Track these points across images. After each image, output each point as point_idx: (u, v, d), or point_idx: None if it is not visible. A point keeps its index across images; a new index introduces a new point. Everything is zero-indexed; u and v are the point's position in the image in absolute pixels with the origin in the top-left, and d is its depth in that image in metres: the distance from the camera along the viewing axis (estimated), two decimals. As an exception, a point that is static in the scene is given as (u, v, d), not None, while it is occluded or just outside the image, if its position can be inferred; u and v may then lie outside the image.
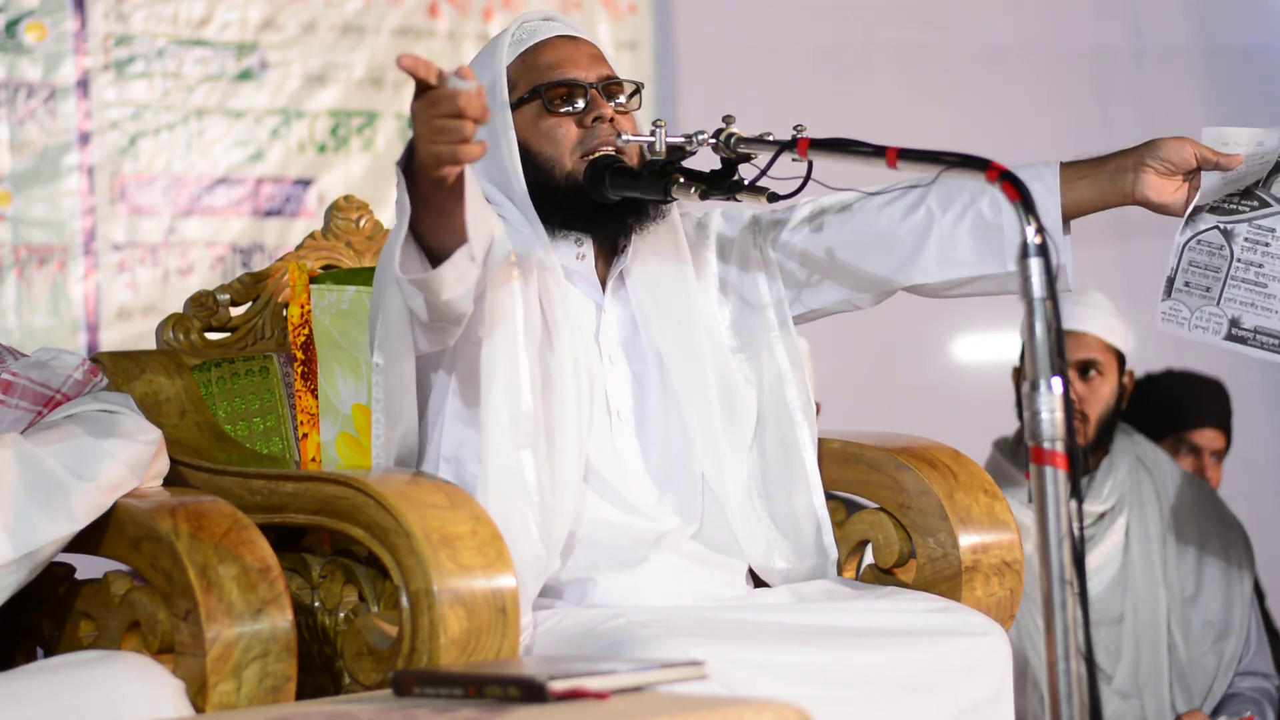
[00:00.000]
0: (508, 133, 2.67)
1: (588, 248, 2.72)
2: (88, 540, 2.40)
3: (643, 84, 2.75)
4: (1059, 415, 2.07)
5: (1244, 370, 5.56)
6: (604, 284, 2.74)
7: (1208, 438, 4.51)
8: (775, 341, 2.78)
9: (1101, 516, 4.04)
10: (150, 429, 2.49)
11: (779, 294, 2.80)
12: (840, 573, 2.85)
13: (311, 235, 3.05)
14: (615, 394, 2.72)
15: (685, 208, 2.82)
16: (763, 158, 2.55)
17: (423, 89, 2.26)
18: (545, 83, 2.68)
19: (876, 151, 2.39)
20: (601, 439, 2.69)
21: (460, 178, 2.31)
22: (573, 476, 2.60)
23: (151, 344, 2.94)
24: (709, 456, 2.71)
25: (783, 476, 2.75)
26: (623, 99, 2.72)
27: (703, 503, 2.72)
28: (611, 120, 2.67)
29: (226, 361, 2.92)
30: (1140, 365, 4.26)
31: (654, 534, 2.67)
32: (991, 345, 5.62)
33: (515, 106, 2.69)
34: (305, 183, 5.02)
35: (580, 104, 2.68)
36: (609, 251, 2.74)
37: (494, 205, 2.68)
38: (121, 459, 2.40)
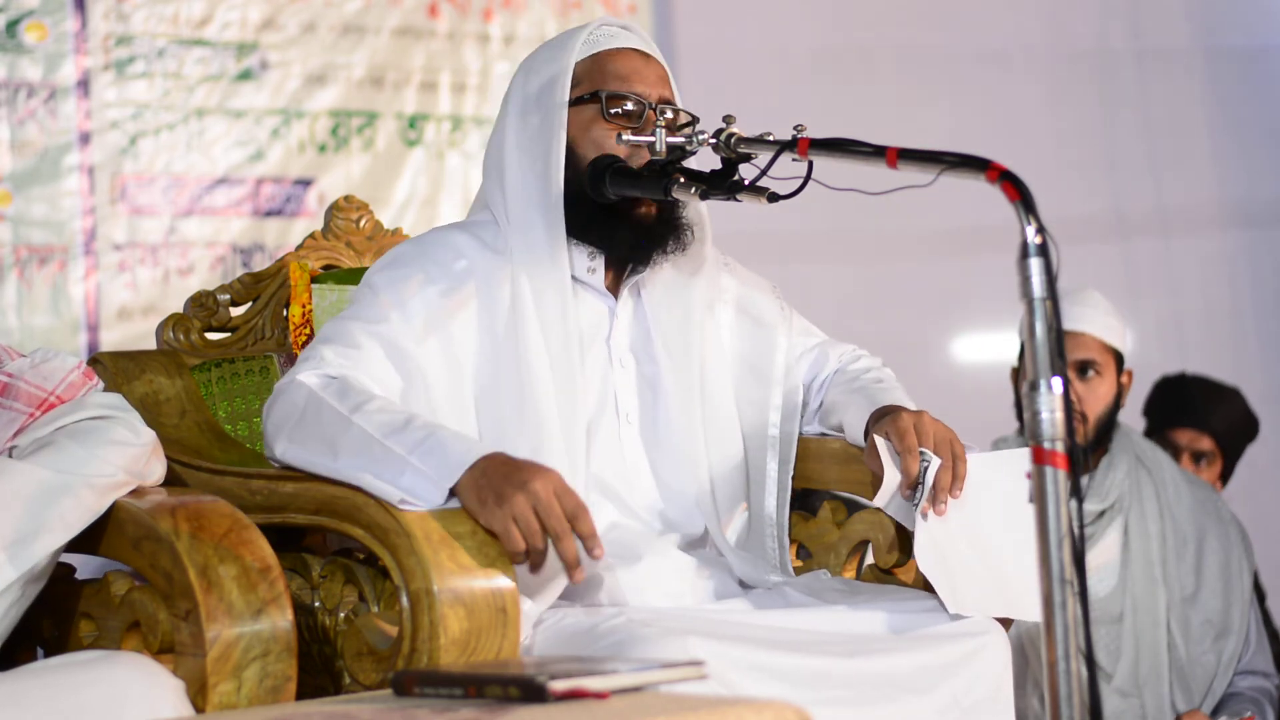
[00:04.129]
0: (560, 130, 2.68)
1: (599, 262, 2.73)
2: (88, 540, 2.40)
3: (698, 118, 2.74)
4: (1059, 415, 2.07)
5: (1245, 370, 5.57)
6: (615, 293, 2.75)
7: (1186, 438, 4.52)
8: (778, 376, 2.84)
9: (1101, 515, 4.04)
10: (144, 431, 2.49)
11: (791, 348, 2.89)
12: (840, 573, 2.85)
13: (311, 235, 3.05)
14: (625, 398, 2.73)
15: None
16: (763, 158, 2.55)
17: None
18: (610, 90, 2.69)
19: (876, 151, 2.39)
20: (609, 441, 2.69)
21: None
22: (578, 479, 2.62)
23: (152, 344, 2.94)
24: (699, 464, 2.72)
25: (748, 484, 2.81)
26: (672, 114, 2.71)
27: (703, 509, 2.73)
28: None
29: (226, 361, 2.92)
30: (1139, 365, 4.26)
31: (655, 534, 2.67)
32: (991, 345, 5.62)
33: (573, 103, 2.70)
34: (305, 183, 5.02)
35: (636, 120, 2.69)
36: (620, 265, 2.75)
37: (497, 206, 2.70)
38: (115, 462, 2.40)
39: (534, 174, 2.68)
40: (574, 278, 2.71)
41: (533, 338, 2.63)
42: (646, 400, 2.75)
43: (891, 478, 2.61)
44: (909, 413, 2.64)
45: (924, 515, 2.59)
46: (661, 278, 2.77)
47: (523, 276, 2.65)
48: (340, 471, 2.42)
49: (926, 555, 2.57)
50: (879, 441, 2.63)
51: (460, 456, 2.36)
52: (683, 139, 2.61)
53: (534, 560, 2.33)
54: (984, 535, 2.61)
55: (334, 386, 2.50)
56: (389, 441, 2.38)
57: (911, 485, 2.59)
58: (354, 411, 2.44)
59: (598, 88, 2.69)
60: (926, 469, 2.59)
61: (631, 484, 2.71)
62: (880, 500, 2.62)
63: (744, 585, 2.73)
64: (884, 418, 2.68)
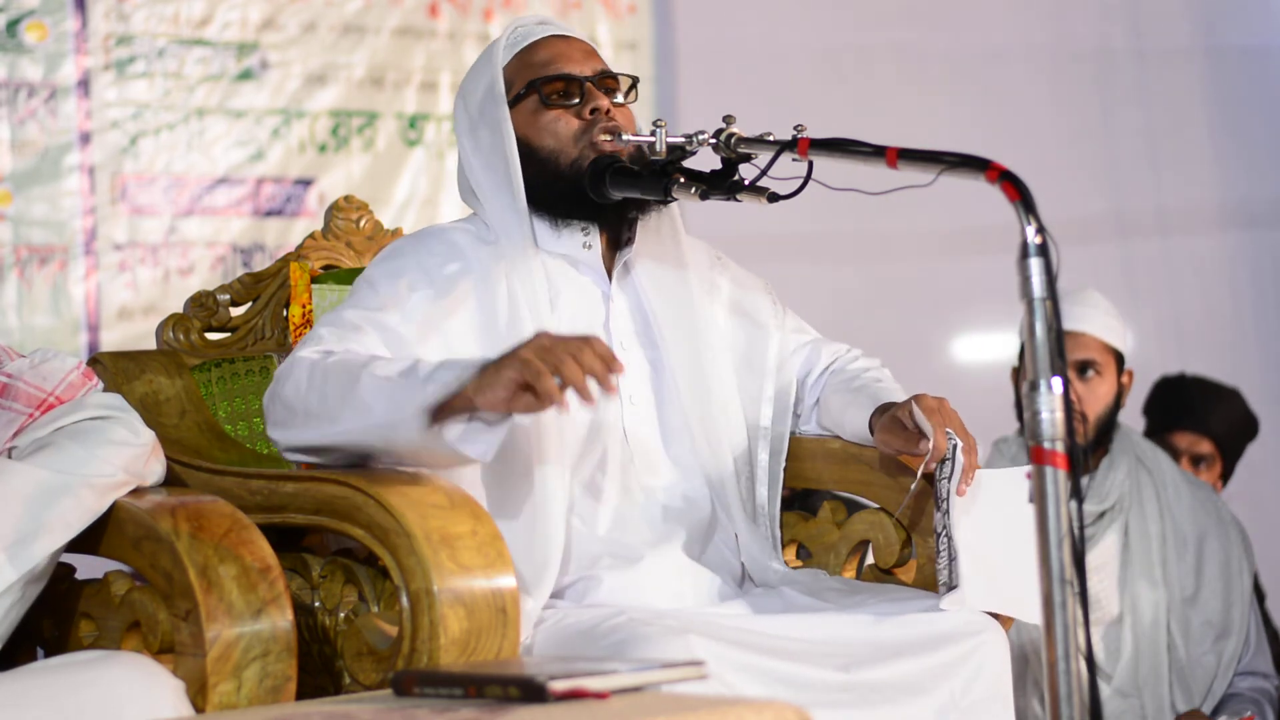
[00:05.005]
0: (508, 132, 2.69)
1: (594, 237, 2.74)
2: (88, 540, 2.40)
3: (638, 78, 2.78)
4: (1059, 415, 2.07)
5: (1245, 370, 5.57)
6: (609, 273, 2.76)
7: (1186, 441, 4.52)
8: (769, 373, 2.85)
9: (1101, 516, 4.04)
10: (143, 431, 2.48)
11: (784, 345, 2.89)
12: (840, 573, 2.86)
13: (311, 235, 3.05)
14: (627, 382, 2.73)
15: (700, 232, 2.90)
16: (763, 158, 2.55)
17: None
18: (541, 77, 2.71)
19: (876, 151, 2.39)
20: (612, 427, 2.70)
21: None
22: (565, 467, 2.62)
23: (152, 344, 2.94)
24: (709, 445, 2.73)
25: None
26: (620, 96, 2.73)
27: (710, 492, 2.74)
28: (608, 112, 2.69)
29: (226, 361, 2.92)
30: (1139, 365, 4.26)
31: (658, 524, 2.67)
32: (991, 345, 5.62)
33: (513, 104, 2.72)
34: (306, 183, 5.02)
35: (576, 98, 2.70)
36: (614, 241, 2.76)
37: (484, 210, 2.71)
38: (115, 462, 2.40)
39: (499, 183, 2.71)
40: (571, 257, 2.73)
41: (528, 324, 2.63)
42: (650, 383, 2.76)
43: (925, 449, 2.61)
44: (931, 396, 2.65)
45: (958, 493, 2.58)
46: (651, 258, 2.78)
47: (518, 265, 2.67)
48: (362, 422, 2.39)
49: (963, 531, 2.56)
50: (915, 409, 2.64)
51: (472, 360, 2.33)
52: (683, 139, 2.61)
53: (545, 392, 2.26)
54: (989, 540, 2.60)
55: (338, 356, 2.49)
56: (404, 380, 2.36)
57: (940, 459, 2.59)
58: (363, 368, 2.42)
59: (528, 80, 2.72)
60: (955, 446, 2.60)
61: (636, 467, 2.71)
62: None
63: (743, 584, 2.74)
64: (891, 409, 2.70)
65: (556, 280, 2.70)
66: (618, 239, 2.77)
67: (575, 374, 2.25)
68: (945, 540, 2.58)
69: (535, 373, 2.25)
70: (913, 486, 2.65)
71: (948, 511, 2.58)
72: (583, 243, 2.73)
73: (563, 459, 2.60)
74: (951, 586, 2.55)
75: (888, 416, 2.70)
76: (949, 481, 2.59)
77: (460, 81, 2.85)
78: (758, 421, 2.82)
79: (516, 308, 2.65)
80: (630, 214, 2.73)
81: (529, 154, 2.70)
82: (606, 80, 2.73)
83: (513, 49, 2.76)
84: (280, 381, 2.52)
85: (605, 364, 2.26)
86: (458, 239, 2.72)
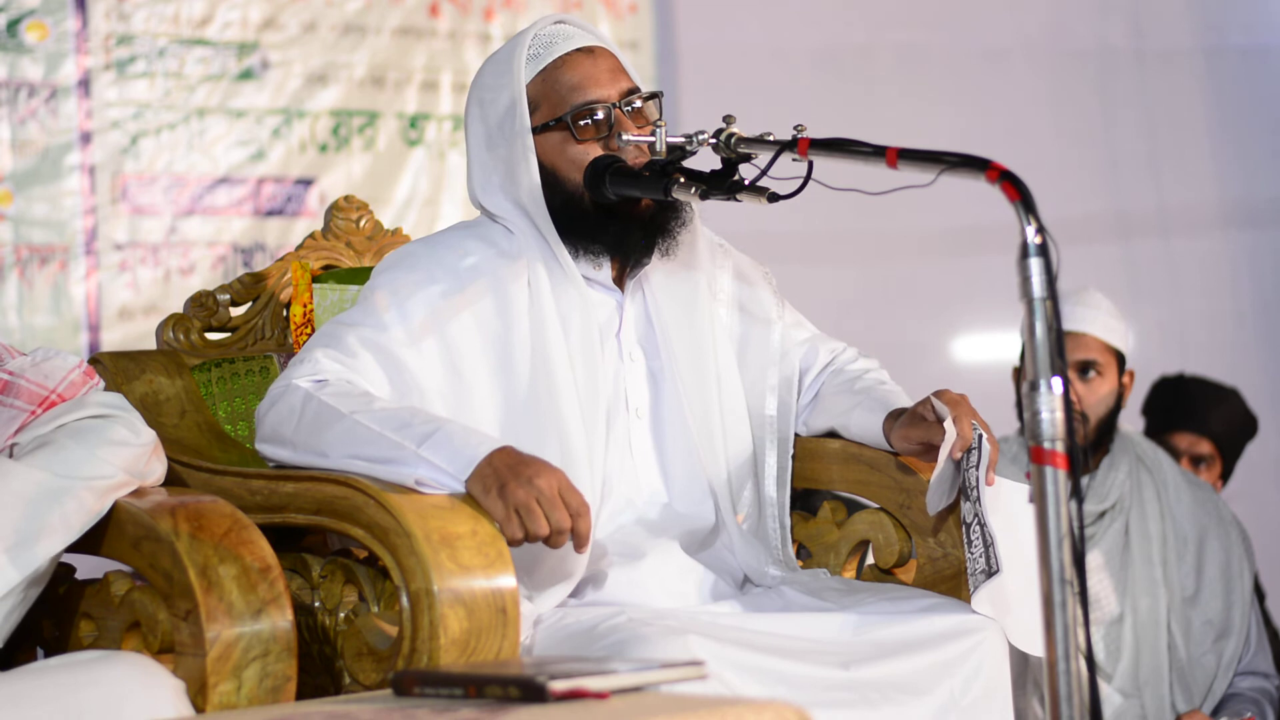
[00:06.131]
0: (529, 156, 2.67)
1: (604, 258, 2.72)
2: (88, 540, 2.40)
3: (661, 92, 2.74)
4: (1059, 415, 2.07)
5: (1246, 370, 5.57)
6: (621, 287, 2.75)
7: (1186, 441, 4.52)
8: (772, 364, 2.84)
9: (1102, 515, 4.04)
10: (144, 430, 2.49)
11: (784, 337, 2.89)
12: (840, 573, 2.86)
13: (312, 235, 3.05)
14: (634, 392, 2.73)
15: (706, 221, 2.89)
16: (763, 158, 2.55)
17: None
18: (570, 110, 2.67)
19: (876, 152, 2.39)
20: (619, 437, 2.70)
21: None
22: (596, 477, 2.62)
23: (152, 344, 2.94)
24: (710, 453, 2.73)
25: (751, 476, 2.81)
26: (639, 103, 2.71)
27: (713, 500, 2.73)
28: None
29: (226, 361, 2.92)
30: (1140, 365, 4.26)
31: (660, 531, 2.68)
32: (991, 345, 5.62)
33: (539, 130, 2.68)
34: (306, 182, 5.02)
35: (605, 128, 2.67)
36: (625, 259, 2.75)
37: (503, 219, 2.69)
38: (115, 463, 2.40)
39: (516, 201, 2.69)
40: (585, 276, 2.72)
41: (553, 335, 2.63)
42: (653, 394, 2.76)
43: (949, 435, 2.60)
44: (952, 391, 2.65)
45: (987, 483, 2.58)
46: (662, 269, 2.77)
47: (540, 277, 2.66)
48: (348, 469, 2.44)
49: (998, 516, 2.55)
50: (936, 401, 2.63)
51: (472, 450, 2.40)
52: (683, 139, 2.61)
53: (532, 533, 2.38)
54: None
55: (333, 389, 2.52)
56: (397, 436, 2.41)
57: (966, 447, 2.59)
58: (356, 411, 2.46)
59: (558, 112, 2.67)
60: (981, 436, 2.59)
61: (639, 479, 2.71)
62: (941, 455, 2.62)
63: (744, 584, 2.74)
64: (904, 412, 2.71)
65: (570, 293, 2.69)
66: (636, 262, 2.75)
67: (560, 544, 2.40)
68: (979, 528, 2.56)
69: (534, 522, 2.36)
70: (936, 471, 2.62)
71: (979, 499, 2.57)
72: (594, 263, 2.72)
73: (570, 467, 2.59)
74: (992, 573, 2.52)
75: (907, 415, 2.69)
76: (977, 470, 2.58)
77: (466, 79, 2.84)
78: (763, 411, 2.81)
79: (540, 310, 2.64)
80: (653, 240, 2.70)
81: (553, 181, 2.68)
82: (632, 99, 2.70)
83: (535, 63, 2.70)
84: (273, 402, 2.56)
85: (579, 541, 2.40)
86: (470, 245, 2.70)
